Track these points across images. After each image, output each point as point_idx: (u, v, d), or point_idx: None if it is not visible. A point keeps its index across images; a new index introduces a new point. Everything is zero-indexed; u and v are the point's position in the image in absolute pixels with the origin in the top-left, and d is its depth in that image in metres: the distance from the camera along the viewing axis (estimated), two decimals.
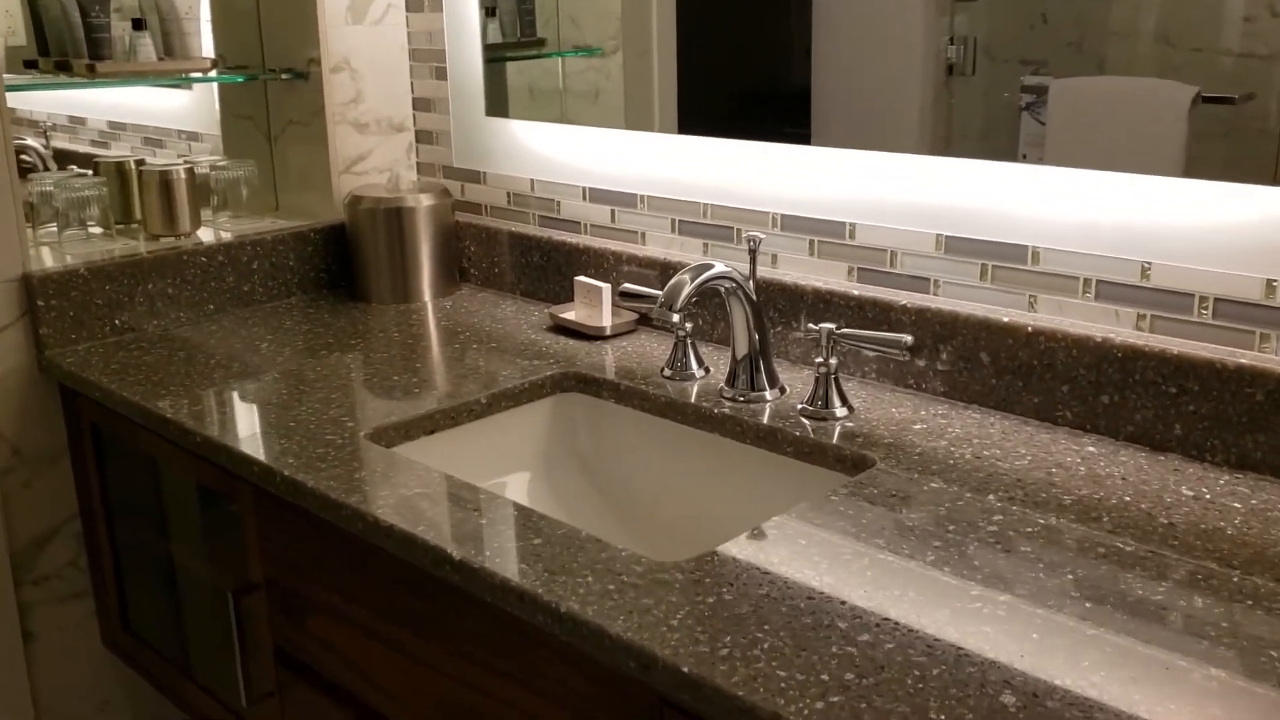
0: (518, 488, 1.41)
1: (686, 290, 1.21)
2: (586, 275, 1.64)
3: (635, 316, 1.59)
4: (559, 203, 1.73)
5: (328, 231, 1.81)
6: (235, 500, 1.28)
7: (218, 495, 1.33)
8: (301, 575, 1.22)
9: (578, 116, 1.69)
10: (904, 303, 1.30)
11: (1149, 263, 1.14)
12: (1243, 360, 1.07)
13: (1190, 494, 1.04)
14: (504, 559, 0.96)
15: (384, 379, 1.41)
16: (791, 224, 1.43)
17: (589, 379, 1.42)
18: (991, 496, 1.05)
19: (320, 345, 1.55)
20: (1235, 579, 0.89)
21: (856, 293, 1.34)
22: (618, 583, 0.92)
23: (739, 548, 0.97)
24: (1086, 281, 1.19)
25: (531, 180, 1.76)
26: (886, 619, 0.86)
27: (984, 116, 1.25)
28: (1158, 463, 1.11)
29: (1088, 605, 0.87)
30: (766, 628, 0.85)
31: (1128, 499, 1.04)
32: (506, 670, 0.99)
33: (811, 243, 1.41)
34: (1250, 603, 0.86)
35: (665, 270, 1.54)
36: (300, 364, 1.47)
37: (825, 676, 0.79)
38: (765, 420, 1.24)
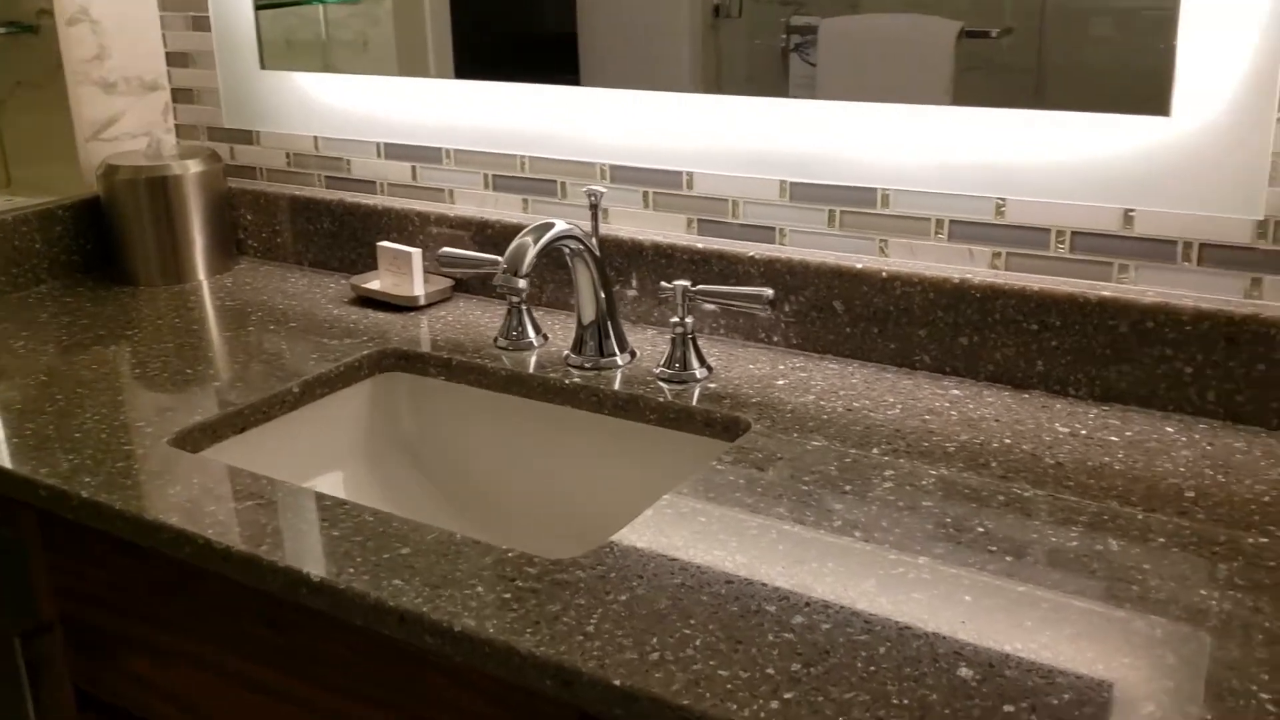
0: (346, 485, 1.26)
1: (531, 254, 1.10)
2: (390, 240, 1.50)
3: (451, 283, 1.46)
4: (349, 161, 1.56)
5: (79, 207, 1.57)
6: (13, 528, 1.08)
7: None
8: (109, 609, 1.04)
9: (345, 68, 1.52)
10: (751, 254, 1.24)
11: (1003, 199, 1.12)
12: (1105, 293, 1.07)
13: (1066, 431, 1.04)
14: (373, 575, 0.84)
15: (175, 373, 1.23)
16: (623, 175, 1.34)
17: (412, 355, 1.28)
18: (876, 450, 1.01)
19: (89, 339, 1.34)
20: (1140, 517, 0.89)
21: (700, 246, 1.27)
22: (513, 590, 0.81)
23: (637, 534, 0.88)
24: (939, 222, 1.16)
25: (315, 138, 1.59)
26: (814, 597, 0.80)
27: (752, 58, 1.21)
28: (1023, 400, 1.10)
29: (1008, 560, 0.84)
30: (693, 622, 0.77)
31: (1008, 441, 1.02)
32: (388, 700, 0.87)
33: (646, 194, 1.33)
34: (1164, 540, 0.85)
35: (481, 230, 1.42)
36: (70, 363, 1.26)
37: (771, 670, 0.72)
38: (622, 388, 1.16)
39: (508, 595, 0.81)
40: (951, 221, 1.16)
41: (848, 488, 0.94)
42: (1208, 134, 1.01)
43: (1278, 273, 1.02)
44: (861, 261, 1.19)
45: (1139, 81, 1.01)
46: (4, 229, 1.49)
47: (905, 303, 1.17)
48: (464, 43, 1.42)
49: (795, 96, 1.18)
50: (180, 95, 1.69)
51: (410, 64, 1.47)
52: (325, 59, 1.55)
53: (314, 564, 0.85)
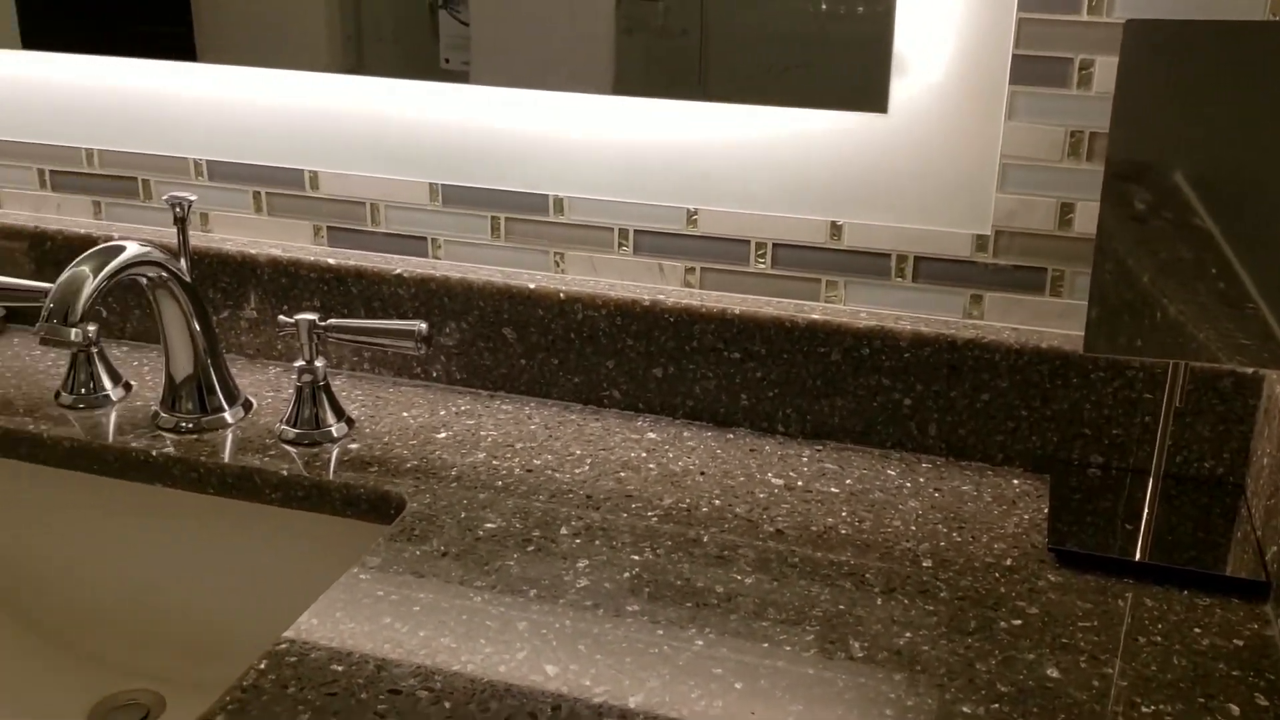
0: None
1: (87, 292, 0.81)
2: None
3: (1, 313, 1.12)
4: None
5: None
6: None
7: None
8: None
9: None
10: (398, 271, 1.00)
11: (695, 208, 0.95)
12: (814, 316, 0.92)
13: (781, 483, 0.88)
14: None
15: None
16: (224, 171, 1.05)
17: None
18: (564, 530, 0.81)
19: None
20: (880, 603, 0.74)
21: (333, 261, 1.01)
22: None
23: (274, 679, 0.63)
24: (623, 232, 0.97)
25: None
26: None
27: (398, 15, 0.97)
28: (728, 443, 0.94)
29: (737, 686, 0.66)
30: None
31: (718, 502, 0.85)
32: None
33: (257, 195, 1.05)
34: (910, 634, 0.71)
35: (37, 243, 1.09)
36: None
37: None
38: (233, 458, 0.89)
39: None
40: (637, 232, 0.97)
41: (533, 592, 0.74)
42: (929, 135, 0.88)
43: (999, 289, 0.90)
44: (535, 280, 0.98)
45: (851, 72, 0.86)
46: None
47: (589, 329, 0.97)
48: (32, 1, 1.07)
49: (448, 58, 0.94)
50: None
51: None
52: None
53: None
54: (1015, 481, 0.89)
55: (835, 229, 0.92)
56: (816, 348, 0.92)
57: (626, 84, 0.92)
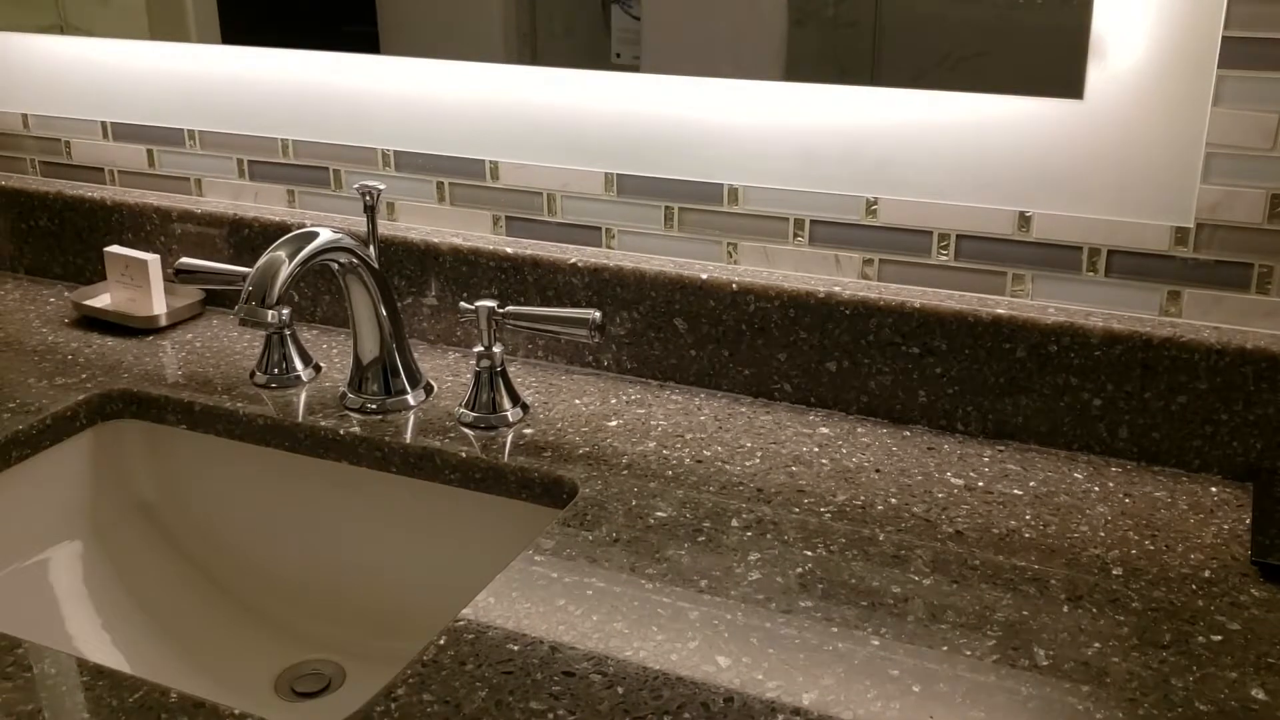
0: (62, 576, 0.98)
1: (284, 275, 0.85)
2: (122, 243, 1.20)
3: (200, 295, 1.18)
4: (69, 143, 1.26)
5: None
6: None
7: None
8: None
9: (83, 24, 1.21)
10: (573, 260, 1.01)
11: (875, 197, 0.92)
12: (999, 311, 0.88)
13: (960, 482, 0.85)
14: None
15: None
16: (410, 162, 1.08)
17: (144, 398, 1.01)
18: (735, 523, 0.80)
19: None
20: (1066, 610, 0.71)
21: (510, 250, 1.03)
22: None
23: (413, 691, 0.65)
24: (799, 223, 0.96)
25: (25, 115, 1.27)
26: None
27: (568, 12, 0.98)
28: (904, 440, 0.92)
29: (915, 689, 0.64)
30: None
31: (894, 500, 0.83)
32: None
33: (440, 185, 1.08)
34: (1099, 645, 0.67)
35: (236, 229, 1.14)
36: None
37: None
38: (415, 438, 0.92)
39: None
40: (813, 222, 0.95)
41: (703, 583, 0.73)
42: (1128, 122, 0.83)
43: (1200, 285, 0.85)
44: (707, 270, 0.98)
45: (1043, 57, 0.82)
46: None
47: (761, 320, 0.96)
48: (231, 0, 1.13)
49: (619, 53, 0.95)
50: None
51: (164, 24, 1.17)
52: (59, 13, 1.23)
53: None
54: (1213, 489, 0.84)
55: (1023, 220, 0.88)
56: (1001, 344, 0.89)
57: (798, 73, 0.90)
